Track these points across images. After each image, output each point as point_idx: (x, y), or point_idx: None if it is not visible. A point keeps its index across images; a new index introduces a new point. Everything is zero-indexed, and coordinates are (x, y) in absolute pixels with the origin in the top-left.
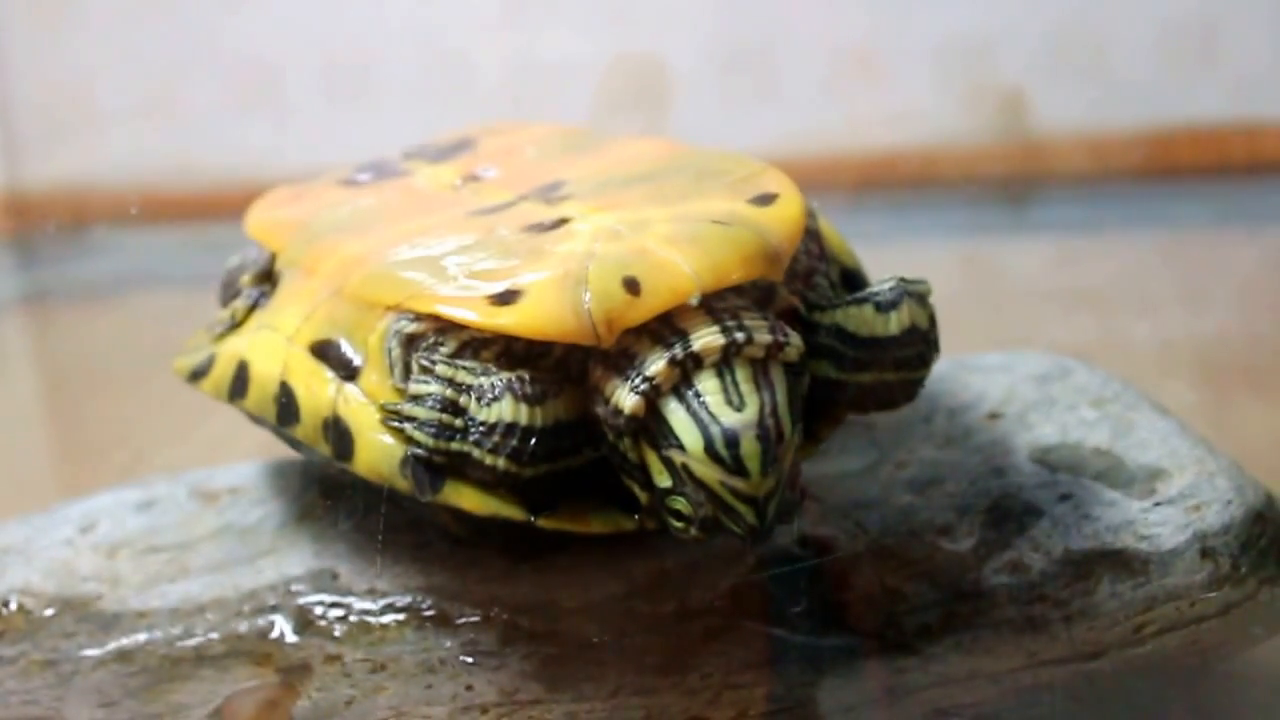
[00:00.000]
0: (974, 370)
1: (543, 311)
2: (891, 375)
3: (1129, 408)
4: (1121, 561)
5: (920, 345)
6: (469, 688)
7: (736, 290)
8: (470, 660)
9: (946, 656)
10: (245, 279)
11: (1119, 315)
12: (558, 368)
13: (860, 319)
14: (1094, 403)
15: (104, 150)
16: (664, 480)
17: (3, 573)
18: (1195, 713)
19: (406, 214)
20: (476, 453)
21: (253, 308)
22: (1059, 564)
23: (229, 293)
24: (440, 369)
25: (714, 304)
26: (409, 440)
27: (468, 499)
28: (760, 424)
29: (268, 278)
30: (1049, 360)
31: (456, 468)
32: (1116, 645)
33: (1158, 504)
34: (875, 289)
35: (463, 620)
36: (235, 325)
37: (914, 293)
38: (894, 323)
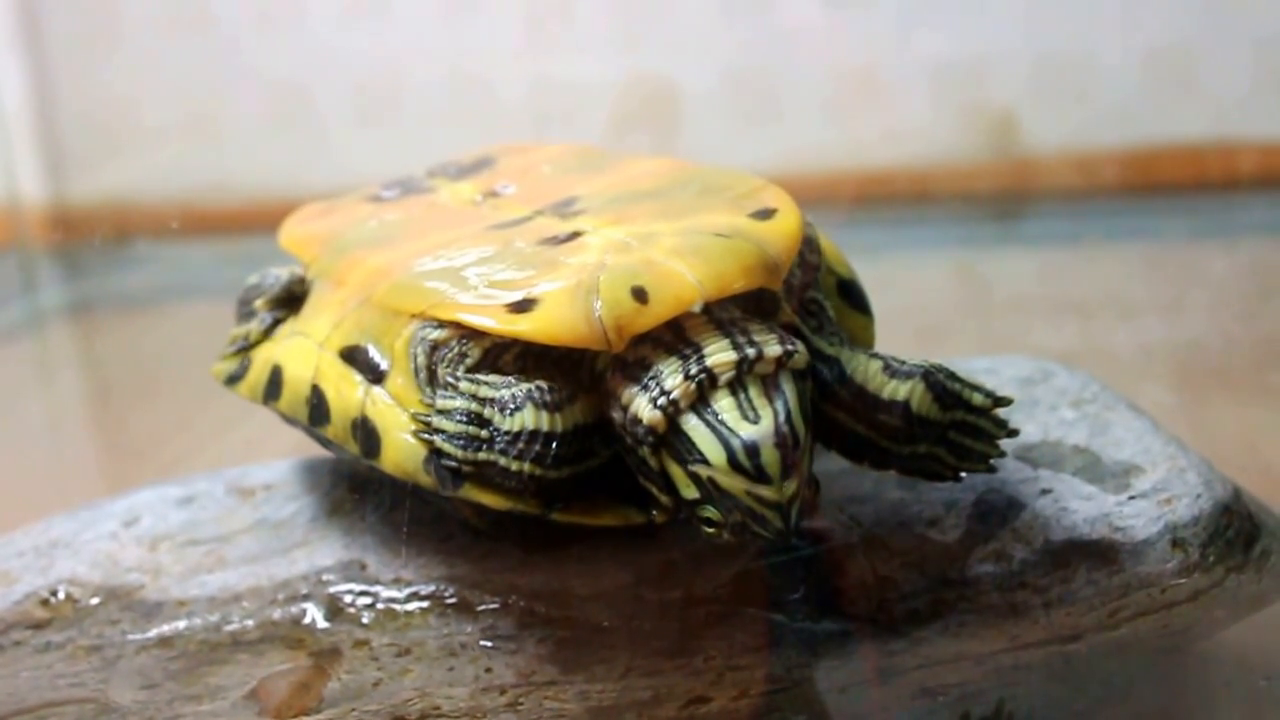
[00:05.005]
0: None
1: (557, 319)
2: (862, 429)
3: (1106, 408)
4: (1098, 551)
5: (903, 423)
6: (488, 670)
7: (741, 302)
8: (490, 644)
9: (934, 640)
10: (260, 303)
11: (1101, 322)
12: (571, 374)
13: (863, 368)
14: (1074, 403)
15: (146, 167)
16: (691, 492)
17: (52, 564)
18: (1165, 691)
19: (430, 228)
20: (503, 460)
21: (267, 332)
22: (1040, 554)
23: (245, 310)
24: (463, 384)
25: (720, 315)
26: (439, 452)
27: (487, 495)
28: (777, 432)
29: (283, 302)
30: (1033, 364)
31: (483, 475)
32: (1093, 629)
33: (1132, 498)
34: (902, 360)
35: (483, 607)
36: (249, 346)
37: (936, 385)
38: (890, 389)
